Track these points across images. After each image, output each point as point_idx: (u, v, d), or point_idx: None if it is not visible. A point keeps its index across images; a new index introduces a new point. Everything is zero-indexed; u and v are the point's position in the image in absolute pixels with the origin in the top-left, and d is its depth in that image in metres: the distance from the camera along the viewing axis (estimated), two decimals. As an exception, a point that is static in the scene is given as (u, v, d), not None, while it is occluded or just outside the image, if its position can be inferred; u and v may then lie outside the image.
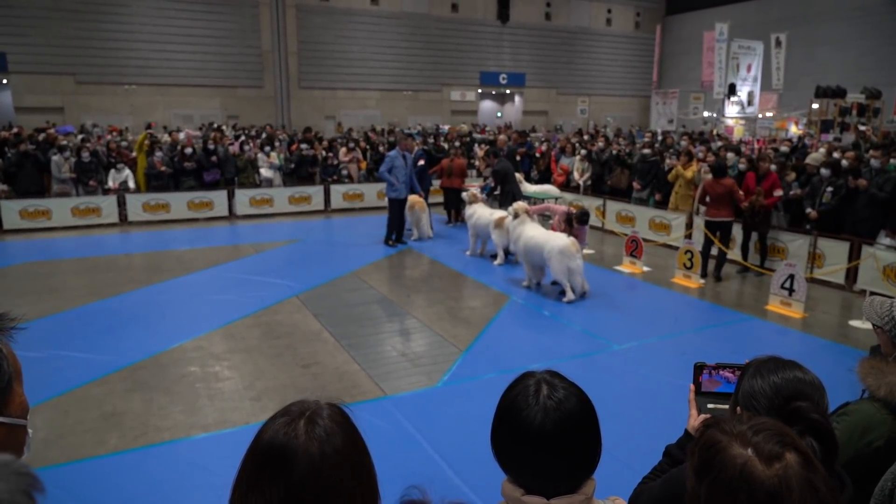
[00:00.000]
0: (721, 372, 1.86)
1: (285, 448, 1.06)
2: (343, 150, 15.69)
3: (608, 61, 33.59)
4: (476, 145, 17.78)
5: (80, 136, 16.49)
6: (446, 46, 29.09)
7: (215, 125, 21.13)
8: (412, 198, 11.15)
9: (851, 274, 8.48)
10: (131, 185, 13.23)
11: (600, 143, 14.13)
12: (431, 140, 17.78)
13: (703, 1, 30.84)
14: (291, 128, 22.89)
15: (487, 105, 32.23)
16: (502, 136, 16.24)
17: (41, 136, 14.03)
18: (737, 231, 9.36)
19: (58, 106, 22.43)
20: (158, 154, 13.25)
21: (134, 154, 13.92)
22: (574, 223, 8.48)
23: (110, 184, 13.04)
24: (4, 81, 21.97)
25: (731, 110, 21.65)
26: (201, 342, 6.38)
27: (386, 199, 11.25)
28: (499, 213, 9.71)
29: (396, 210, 10.84)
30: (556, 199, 11.90)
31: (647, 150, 12.43)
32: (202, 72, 24.45)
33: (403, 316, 7.38)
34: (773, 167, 9.30)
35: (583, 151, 13.77)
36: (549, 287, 8.40)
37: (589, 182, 13.50)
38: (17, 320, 1.20)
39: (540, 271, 8.36)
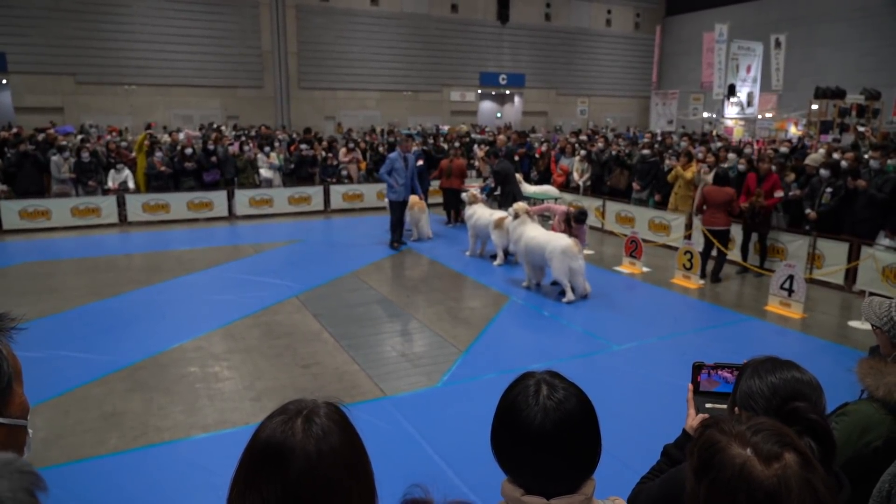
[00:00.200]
0: (719, 372, 1.86)
1: (282, 446, 1.07)
2: (343, 150, 15.70)
3: (608, 62, 33.57)
4: (476, 146, 17.79)
5: (79, 137, 16.48)
6: (446, 47, 29.07)
7: (215, 125, 21.12)
8: (412, 198, 11.15)
9: (851, 274, 8.49)
10: (131, 185, 13.23)
11: (600, 144, 14.14)
12: (431, 140, 17.79)
13: (703, 2, 30.83)
14: (291, 128, 22.86)
15: (487, 105, 32.21)
16: (502, 137, 16.24)
17: (41, 137, 14.02)
18: (736, 232, 9.37)
19: (58, 106, 22.40)
20: (158, 154, 13.25)
21: (134, 154, 13.92)
22: (572, 222, 8.49)
23: (110, 184, 13.04)
24: (4, 81, 21.94)
25: (731, 111, 21.65)
26: (201, 342, 6.39)
27: (386, 199, 11.26)
28: (498, 214, 9.71)
29: (397, 212, 10.86)
30: (556, 199, 11.91)
31: (646, 151, 12.43)
32: (202, 72, 24.43)
33: (403, 316, 7.38)
34: (773, 168, 9.31)
35: (582, 152, 13.78)
36: (548, 287, 8.41)
37: (588, 183, 13.51)
38: (17, 320, 1.20)
39: (540, 272, 8.37)
